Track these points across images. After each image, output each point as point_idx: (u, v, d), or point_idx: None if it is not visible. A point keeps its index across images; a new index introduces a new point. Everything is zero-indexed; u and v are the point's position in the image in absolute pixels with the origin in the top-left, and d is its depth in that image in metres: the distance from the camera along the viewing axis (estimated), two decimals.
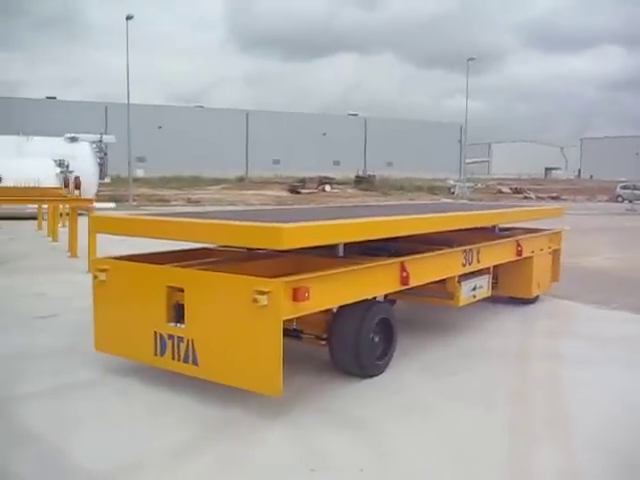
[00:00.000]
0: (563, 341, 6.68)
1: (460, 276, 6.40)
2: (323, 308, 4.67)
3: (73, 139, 24.77)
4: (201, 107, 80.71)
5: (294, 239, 4.25)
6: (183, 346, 4.61)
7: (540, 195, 48.92)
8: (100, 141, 25.97)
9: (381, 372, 5.33)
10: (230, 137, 75.63)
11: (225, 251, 6.05)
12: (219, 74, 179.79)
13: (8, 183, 17.48)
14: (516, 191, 52.24)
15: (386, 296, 6.77)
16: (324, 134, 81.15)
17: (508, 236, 8.02)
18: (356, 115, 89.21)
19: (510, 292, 8.25)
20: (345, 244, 6.10)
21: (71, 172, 22.13)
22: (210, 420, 4.31)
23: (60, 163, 22.01)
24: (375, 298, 6.22)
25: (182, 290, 4.64)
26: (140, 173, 61.48)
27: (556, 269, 8.98)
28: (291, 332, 5.41)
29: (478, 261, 6.79)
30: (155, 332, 4.78)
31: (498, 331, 7.08)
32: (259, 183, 56.89)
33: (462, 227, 6.86)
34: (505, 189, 54.07)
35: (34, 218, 18.89)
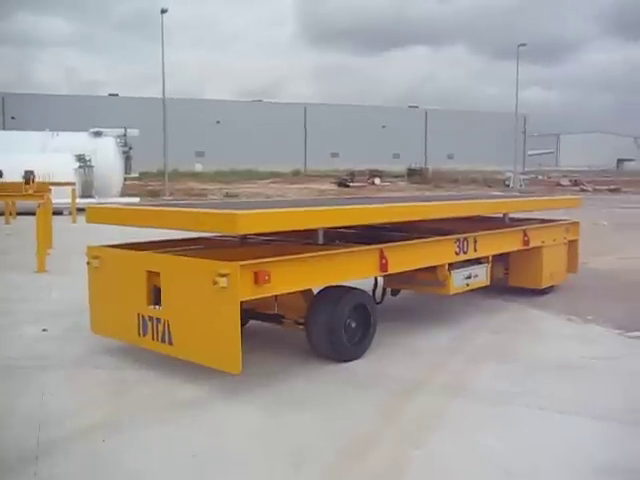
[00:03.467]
0: (486, 366, 5.62)
1: (451, 264, 6.73)
2: (286, 291, 5.11)
3: (97, 134, 25.71)
4: (259, 101, 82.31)
5: (248, 225, 4.79)
6: (160, 327, 5.15)
7: (598, 187, 48.36)
8: (124, 135, 26.87)
9: (358, 357, 5.72)
10: (289, 131, 77.02)
11: (218, 240, 6.60)
12: (288, 69, 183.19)
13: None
14: (575, 183, 51.66)
15: (388, 287, 7.28)
16: (383, 127, 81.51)
17: (517, 226, 8.30)
18: (416, 107, 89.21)
19: (520, 282, 8.49)
20: (337, 234, 6.62)
21: (92, 167, 23.10)
22: None
23: (80, 158, 22.92)
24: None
25: (159, 274, 5.17)
26: (199, 167, 63.23)
27: (573, 260, 9.17)
28: (272, 317, 5.91)
29: (475, 250, 7.09)
30: (138, 314, 5.34)
31: (416, 350, 6.14)
32: (314, 177, 57.77)
33: (451, 216, 7.28)
34: (565, 182, 53.42)
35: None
